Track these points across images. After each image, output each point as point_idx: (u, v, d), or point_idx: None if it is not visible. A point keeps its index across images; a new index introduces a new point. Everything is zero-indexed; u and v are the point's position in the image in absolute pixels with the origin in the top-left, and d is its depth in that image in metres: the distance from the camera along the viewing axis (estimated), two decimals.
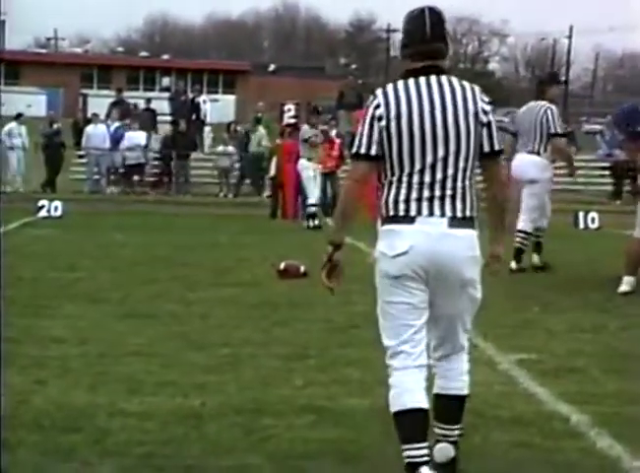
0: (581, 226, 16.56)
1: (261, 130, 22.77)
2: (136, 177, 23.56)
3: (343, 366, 5.73)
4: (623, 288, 8.71)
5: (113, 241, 12.59)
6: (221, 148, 23.89)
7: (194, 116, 24.90)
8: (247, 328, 6.86)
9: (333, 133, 20.11)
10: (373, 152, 3.60)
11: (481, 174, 3.71)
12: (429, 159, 3.56)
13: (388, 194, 3.63)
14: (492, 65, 64.21)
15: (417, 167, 3.58)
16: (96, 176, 23.35)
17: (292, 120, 20.64)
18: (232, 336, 6.56)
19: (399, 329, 3.66)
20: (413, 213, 3.59)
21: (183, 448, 4.25)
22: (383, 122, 3.58)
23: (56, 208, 16.69)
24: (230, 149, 23.58)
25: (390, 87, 3.62)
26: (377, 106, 3.60)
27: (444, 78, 3.63)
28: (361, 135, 3.61)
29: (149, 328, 6.80)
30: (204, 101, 26.33)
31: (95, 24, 77.49)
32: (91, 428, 4.46)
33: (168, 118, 25.28)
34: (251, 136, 22.88)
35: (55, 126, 23.59)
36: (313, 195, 15.30)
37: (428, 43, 3.62)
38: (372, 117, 3.59)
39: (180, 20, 68.67)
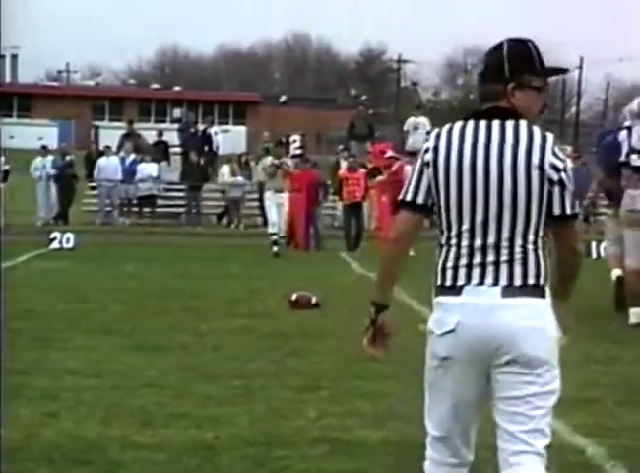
0: (593, 256, 16.54)
1: (269, 159, 22.86)
2: (147, 209, 23.68)
3: (356, 397, 5.71)
4: (633, 320, 8.74)
5: (124, 273, 12.61)
6: (231, 179, 23.96)
7: (206, 148, 25.02)
8: (259, 360, 6.85)
9: (343, 164, 20.22)
10: (420, 200, 3.09)
11: (553, 239, 3.11)
12: (480, 217, 3.00)
13: (438, 258, 3.09)
14: None
15: (465, 225, 3.02)
16: (108, 208, 23.46)
17: (299, 151, 20.73)
18: (244, 368, 6.55)
19: (441, 419, 3.06)
20: (460, 281, 3.01)
21: None
22: (431, 169, 3.07)
23: (68, 240, 16.76)
24: (240, 179, 23.67)
25: (445, 129, 3.10)
26: (427, 150, 3.09)
27: (510, 123, 3.03)
28: (410, 181, 3.12)
29: (160, 360, 6.79)
30: (215, 133, 26.47)
31: (106, 56, 78.24)
32: (103, 460, 4.44)
33: (179, 150, 25.41)
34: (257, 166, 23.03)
35: (67, 158, 23.74)
36: (271, 224, 16.29)
37: (493, 83, 3.07)
38: (422, 162, 3.10)
39: (191, 51, 69.21)
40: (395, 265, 3.18)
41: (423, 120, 23.22)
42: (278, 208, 16.42)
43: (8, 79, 52.19)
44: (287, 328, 8.22)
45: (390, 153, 18.27)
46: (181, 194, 24.16)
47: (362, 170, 18.77)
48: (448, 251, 3.05)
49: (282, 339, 7.68)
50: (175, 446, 4.66)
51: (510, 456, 2.99)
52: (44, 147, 24.11)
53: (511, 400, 2.98)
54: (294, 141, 25.75)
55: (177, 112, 35.26)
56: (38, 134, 34.76)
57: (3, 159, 22.71)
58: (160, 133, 25.89)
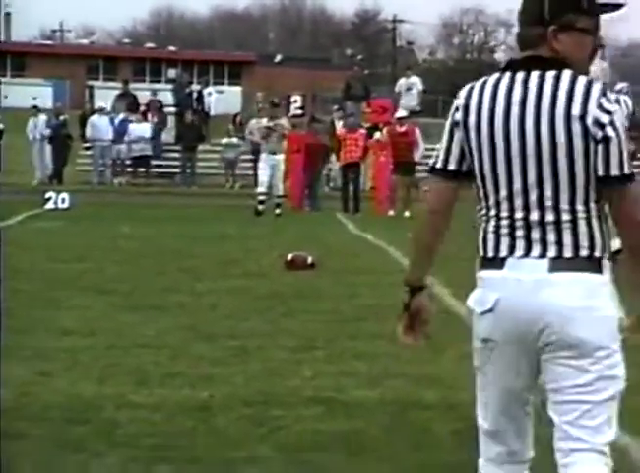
0: None
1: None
2: (141, 169, 23.59)
3: (351, 358, 5.71)
4: None
5: (120, 233, 12.58)
6: (226, 140, 23.86)
7: (199, 108, 24.87)
8: (255, 320, 6.85)
9: (339, 124, 20.08)
10: (452, 166, 2.70)
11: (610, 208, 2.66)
12: (518, 183, 2.61)
13: (479, 228, 2.72)
14: (499, 55, 63.93)
15: (504, 193, 2.63)
16: (101, 168, 23.37)
17: (299, 111, 20.60)
18: (240, 327, 6.55)
19: (488, 409, 2.71)
20: (503, 253, 2.63)
21: (191, 440, 4.23)
22: (461, 129, 2.67)
23: (63, 200, 16.70)
24: (235, 140, 23.57)
25: (478, 83, 2.69)
26: (456, 109, 2.69)
27: (551, 74, 2.60)
28: (442, 145, 2.75)
29: (157, 320, 6.79)
30: (209, 93, 26.30)
31: (100, 16, 77.45)
32: (98, 420, 4.45)
33: (173, 110, 25.26)
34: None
35: (62, 118, 23.60)
36: (260, 184, 16.54)
37: (531, 26, 2.65)
38: (451, 123, 2.70)
39: (186, 11, 68.71)
40: (428, 240, 2.74)
41: (416, 80, 23.04)
42: (271, 169, 16.39)
43: (2, 38, 51.73)
44: (282, 288, 8.22)
45: (402, 113, 18.03)
46: (176, 155, 24.06)
47: (362, 130, 18.59)
48: (488, 221, 2.68)
49: (277, 299, 7.68)
50: (171, 406, 4.67)
51: (564, 456, 2.63)
52: (35, 107, 23.95)
53: (563, 390, 2.61)
54: (295, 101, 25.62)
55: (172, 72, 35.00)
56: (33, 93, 34.47)
57: None
58: (155, 93, 25.71)
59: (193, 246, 11.33)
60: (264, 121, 17.34)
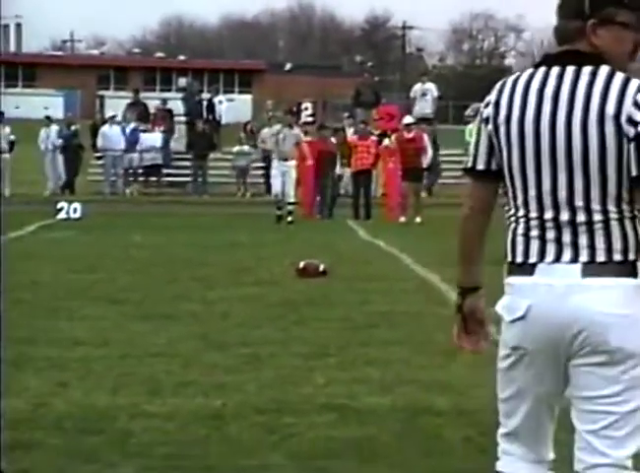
0: None
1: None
2: (153, 178, 23.66)
3: (363, 364, 5.71)
4: None
5: (132, 242, 12.61)
6: (237, 148, 23.92)
7: (210, 117, 24.92)
8: (267, 327, 6.85)
9: (350, 131, 20.10)
10: (481, 165, 2.60)
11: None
12: (547, 183, 2.51)
13: (508, 232, 2.62)
14: (509, 61, 63.78)
15: (532, 193, 2.53)
16: (113, 178, 23.45)
17: (310, 119, 20.61)
18: (252, 335, 6.55)
19: (511, 416, 2.64)
20: (532, 259, 2.54)
21: (205, 449, 4.23)
22: (490, 126, 2.57)
23: (75, 210, 16.76)
24: (247, 148, 23.62)
25: (511, 79, 2.60)
26: (487, 105, 2.59)
27: (587, 69, 2.49)
28: (472, 144, 2.66)
29: (169, 329, 6.80)
30: (219, 102, 26.31)
31: (110, 26, 77.82)
32: (112, 429, 4.46)
33: (184, 119, 25.31)
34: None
35: (73, 128, 23.70)
36: (274, 195, 16.82)
37: (570, 19, 2.53)
38: (480, 120, 2.61)
39: (196, 21, 68.88)
40: (468, 244, 2.66)
41: (431, 86, 22.95)
42: (283, 177, 16.43)
43: (13, 49, 51.99)
44: (294, 296, 8.22)
45: (410, 119, 18.04)
46: (187, 163, 24.13)
47: (373, 138, 18.61)
48: (517, 224, 2.57)
49: (289, 307, 7.68)
50: (184, 415, 4.68)
51: (586, 468, 2.56)
52: (48, 117, 24.07)
53: (589, 400, 2.53)
54: (306, 108, 25.63)
55: (182, 81, 35.04)
56: (44, 104, 34.65)
57: (9, 129, 22.69)
58: (165, 102, 25.78)
59: (204, 255, 11.35)
60: (276, 128, 17.46)
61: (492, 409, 4.37)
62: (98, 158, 24.09)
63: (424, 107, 22.14)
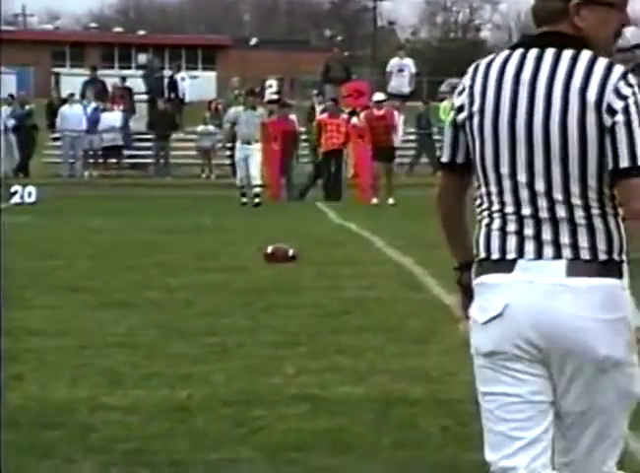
0: None
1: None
2: (113, 160, 23.29)
3: (334, 353, 5.58)
4: None
5: (91, 227, 12.36)
6: (201, 127, 23.48)
7: (172, 95, 24.54)
8: (234, 315, 6.69)
9: (319, 109, 19.76)
10: (460, 159, 2.48)
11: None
12: (523, 175, 2.37)
13: (479, 226, 2.46)
14: (484, 34, 63.48)
15: (507, 184, 2.38)
16: (72, 160, 22.99)
17: (275, 96, 20.24)
18: (218, 324, 6.39)
19: (499, 438, 2.39)
20: (511, 255, 2.37)
21: (170, 443, 4.10)
22: (464, 113, 2.42)
23: (30, 194, 16.37)
24: (212, 128, 23.18)
25: (484, 62, 2.44)
26: (461, 91, 2.44)
27: (567, 53, 2.35)
28: (445, 135, 2.53)
29: (130, 317, 6.61)
30: (182, 79, 25.93)
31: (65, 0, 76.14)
32: (72, 423, 4.32)
33: (145, 97, 24.91)
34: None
35: (27, 107, 23.12)
36: (239, 180, 16.54)
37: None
38: (454, 108, 2.47)
39: None
40: (447, 222, 2.55)
41: (409, 62, 22.46)
42: (246, 160, 16.26)
43: None
44: (262, 282, 8.07)
45: (380, 96, 17.71)
46: (149, 144, 23.74)
47: (344, 116, 18.24)
48: (491, 219, 2.41)
49: (257, 294, 7.52)
50: (148, 408, 4.54)
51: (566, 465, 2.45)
52: (11, 95, 23.40)
53: (575, 407, 2.39)
54: (270, 86, 25.29)
55: (142, 58, 34.55)
56: None
57: None
58: (124, 79, 25.35)
59: (167, 240, 11.14)
60: (234, 110, 17.34)
61: (470, 398, 4.24)
62: (56, 139, 23.61)
63: (402, 84, 21.70)
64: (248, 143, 16.36)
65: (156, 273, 8.66)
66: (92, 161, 23.29)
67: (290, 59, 39.73)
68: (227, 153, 22.63)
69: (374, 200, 16.37)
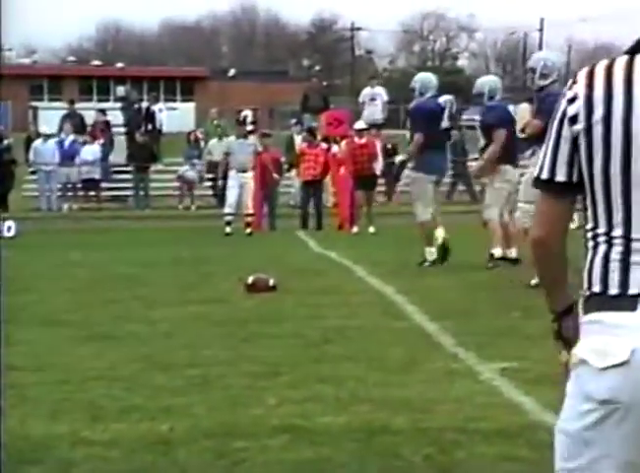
0: None
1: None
2: (92, 193, 23.20)
3: (316, 382, 5.53)
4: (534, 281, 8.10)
5: (70, 261, 12.27)
6: (184, 159, 23.48)
7: (150, 126, 24.49)
8: (214, 347, 6.62)
9: (298, 139, 19.80)
10: (561, 177, 2.16)
11: None
12: None
13: (593, 254, 2.16)
14: (462, 62, 63.72)
15: (637, 207, 2.10)
16: (48, 193, 22.88)
17: (251, 127, 20.30)
18: (199, 355, 6.33)
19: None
20: (635, 290, 2.09)
21: None
22: (580, 125, 2.13)
23: (9, 228, 16.22)
24: (196, 160, 23.23)
25: (600, 66, 2.14)
26: (573, 99, 2.15)
27: None
28: (545, 150, 2.20)
29: (110, 351, 6.54)
30: (159, 110, 25.91)
31: (43, 33, 75.87)
32: (52, 459, 4.25)
33: (123, 130, 24.85)
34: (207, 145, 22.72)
35: (5, 142, 23.03)
36: (228, 206, 16.42)
37: None
38: (562, 118, 2.16)
39: (134, 26, 67.89)
40: (550, 266, 2.25)
41: (380, 90, 22.57)
42: (240, 189, 16.23)
43: None
44: (242, 313, 8.00)
45: (362, 125, 17.67)
46: (128, 176, 23.69)
47: (323, 145, 18.21)
48: (609, 246, 2.12)
49: (237, 325, 7.46)
50: (129, 441, 4.46)
51: None
52: None
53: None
54: (246, 116, 25.28)
55: (121, 90, 34.44)
56: None
57: None
58: (103, 112, 25.27)
59: (147, 272, 11.05)
60: (227, 141, 17.44)
61: (453, 427, 4.22)
62: (33, 172, 23.52)
63: (374, 113, 21.79)
64: (244, 172, 16.34)
65: (136, 306, 8.58)
66: (71, 194, 23.19)
67: (269, 89, 39.83)
68: (209, 184, 22.67)
69: (354, 229, 16.36)
